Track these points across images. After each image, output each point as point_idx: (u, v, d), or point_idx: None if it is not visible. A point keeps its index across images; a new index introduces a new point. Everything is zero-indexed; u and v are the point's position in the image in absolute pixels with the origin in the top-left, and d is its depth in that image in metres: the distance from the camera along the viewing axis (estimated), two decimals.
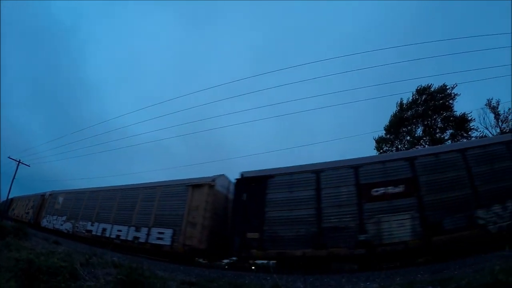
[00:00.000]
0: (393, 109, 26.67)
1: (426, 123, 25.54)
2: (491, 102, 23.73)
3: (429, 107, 24.73)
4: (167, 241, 9.27)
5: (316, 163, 9.13)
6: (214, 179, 9.45)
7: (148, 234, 9.60)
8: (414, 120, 25.81)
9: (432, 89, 24.73)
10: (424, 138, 25.85)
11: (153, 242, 9.33)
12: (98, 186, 13.70)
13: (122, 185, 11.97)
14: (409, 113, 25.69)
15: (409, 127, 26.19)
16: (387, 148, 27.34)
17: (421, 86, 24.73)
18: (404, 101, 26.19)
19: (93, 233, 10.97)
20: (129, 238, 10.02)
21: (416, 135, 25.89)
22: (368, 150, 27.20)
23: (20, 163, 32.14)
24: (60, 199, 14.10)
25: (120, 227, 10.41)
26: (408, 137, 26.21)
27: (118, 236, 10.39)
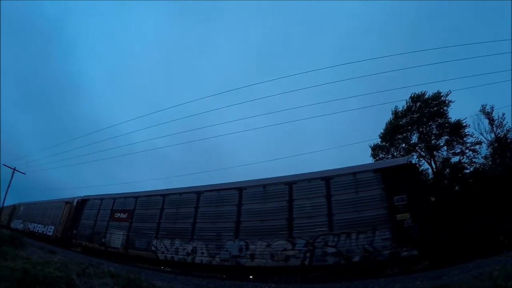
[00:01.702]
0: (388, 116, 29.90)
1: (421, 130, 27.47)
2: (485, 108, 26.03)
3: (424, 114, 26.74)
4: (51, 233, 19.91)
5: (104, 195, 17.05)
6: (73, 199, 19.90)
7: (46, 229, 20.27)
8: (409, 127, 27.96)
9: (426, 97, 26.87)
10: (420, 145, 28.03)
11: (47, 233, 20.18)
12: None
13: (43, 201, 24.42)
14: (404, 120, 28.06)
15: (404, 134, 28.36)
16: (383, 155, 30.05)
17: (415, 93, 27.35)
18: (399, 109, 28.67)
19: (28, 228, 23.52)
20: (41, 232, 21.65)
21: (411, 142, 28.11)
22: (364, 157, 31.80)
23: (15, 171, 34.06)
24: (21, 208, 27.26)
25: (39, 225, 22.48)
26: (404, 144, 28.52)
27: (37, 230, 22.13)
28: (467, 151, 26.04)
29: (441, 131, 26.61)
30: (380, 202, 9.20)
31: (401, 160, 10.71)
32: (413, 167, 10.27)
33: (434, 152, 27.47)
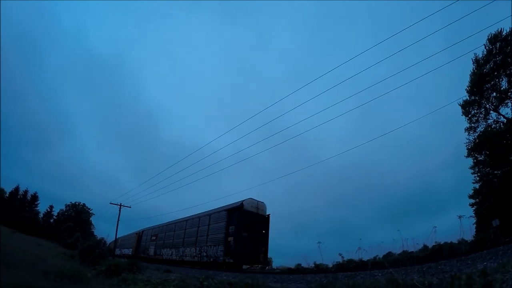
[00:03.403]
0: (469, 68, 36.45)
1: (509, 72, 32.95)
2: None
3: (507, 54, 32.53)
4: (130, 252, 55.16)
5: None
6: (140, 231, 49.81)
7: (129, 250, 55.97)
8: (496, 73, 33.81)
9: (504, 34, 32.15)
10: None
11: (128, 253, 55.94)
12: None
13: (127, 234, 58.79)
14: (487, 66, 34.29)
15: (492, 82, 34.26)
16: (476, 111, 36.57)
17: (491, 34, 33.25)
18: (479, 56, 35.22)
19: (122, 252, 63.59)
20: (126, 253, 57.03)
21: (502, 88, 33.74)
22: (456, 117, 40.10)
23: (121, 206, 47.96)
24: (119, 240, 73.07)
25: (126, 249, 61.88)
26: (494, 94, 34.56)
27: (125, 252, 57.86)
28: None
29: None
30: (223, 229, 28.63)
31: (238, 203, 27.40)
32: (241, 208, 26.69)
33: None
